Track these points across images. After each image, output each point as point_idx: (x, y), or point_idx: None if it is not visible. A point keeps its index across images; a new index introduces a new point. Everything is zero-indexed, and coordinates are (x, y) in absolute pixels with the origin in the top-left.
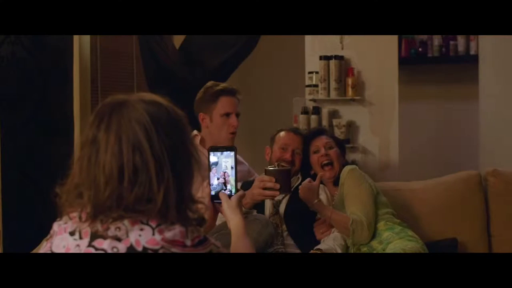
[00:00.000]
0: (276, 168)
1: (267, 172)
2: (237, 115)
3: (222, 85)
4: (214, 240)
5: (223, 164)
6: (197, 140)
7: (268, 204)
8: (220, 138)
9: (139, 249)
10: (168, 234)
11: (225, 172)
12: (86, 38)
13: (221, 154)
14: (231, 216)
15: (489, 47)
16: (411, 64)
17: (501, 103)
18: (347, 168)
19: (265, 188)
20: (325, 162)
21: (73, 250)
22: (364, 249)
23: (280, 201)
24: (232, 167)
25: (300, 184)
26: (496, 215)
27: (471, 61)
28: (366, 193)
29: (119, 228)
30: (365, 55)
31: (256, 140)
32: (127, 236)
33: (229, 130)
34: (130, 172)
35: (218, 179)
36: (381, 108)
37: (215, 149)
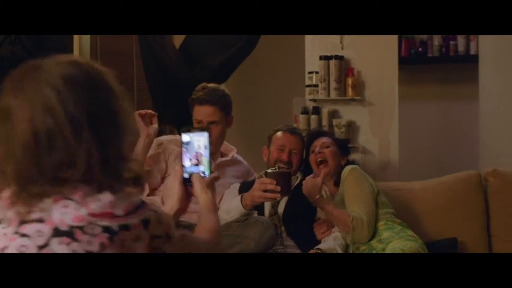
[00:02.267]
0: (277, 170)
1: (267, 175)
2: (213, 123)
3: (199, 93)
4: (155, 206)
5: (195, 143)
6: None
7: (267, 204)
8: None
9: (65, 228)
10: (95, 206)
11: (197, 153)
12: (86, 38)
13: (194, 134)
14: (201, 196)
15: (489, 47)
16: (411, 64)
17: (501, 103)
18: (348, 167)
19: (265, 191)
20: (319, 159)
21: (1, 239)
22: (364, 248)
23: (278, 202)
24: (205, 147)
25: (299, 183)
26: (496, 215)
27: (471, 61)
28: (367, 192)
29: (42, 209)
30: (365, 55)
31: (256, 140)
32: (51, 216)
33: None
34: (44, 137)
35: (190, 160)
36: (381, 108)
37: (187, 130)
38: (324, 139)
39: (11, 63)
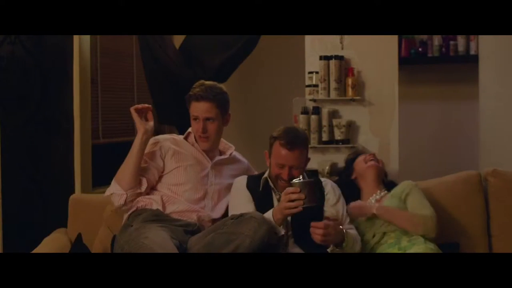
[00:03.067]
0: (301, 180)
1: (291, 184)
2: (209, 119)
3: (196, 90)
4: None
5: None
6: (191, 138)
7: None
8: (198, 141)
9: None
10: None
11: None
12: (86, 38)
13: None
14: None
15: (489, 47)
16: (411, 64)
17: (501, 103)
18: (411, 182)
19: (291, 201)
20: (371, 159)
21: None
22: (391, 241)
23: None
24: None
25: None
26: (496, 215)
27: (471, 61)
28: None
29: None
30: (365, 55)
31: (257, 140)
32: None
33: (197, 133)
34: None
35: None
36: (381, 108)
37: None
38: (364, 156)
39: (11, 63)
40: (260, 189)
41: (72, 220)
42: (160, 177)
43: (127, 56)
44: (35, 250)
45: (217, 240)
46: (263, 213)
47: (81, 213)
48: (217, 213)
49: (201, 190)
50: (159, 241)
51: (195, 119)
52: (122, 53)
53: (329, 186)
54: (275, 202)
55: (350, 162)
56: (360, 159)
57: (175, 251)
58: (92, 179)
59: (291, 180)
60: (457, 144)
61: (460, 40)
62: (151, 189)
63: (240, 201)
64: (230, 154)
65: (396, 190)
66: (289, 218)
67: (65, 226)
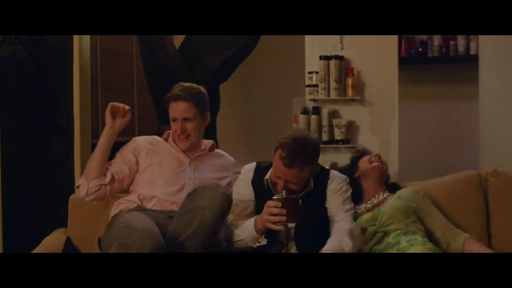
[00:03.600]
0: (282, 196)
1: (273, 199)
2: (187, 119)
3: (174, 90)
4: None
5: None
6: (166, 136)
7: None
8: (177, 141)
9: None
10: None
11: None
12: (86, 38)
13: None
14: None
15: (489, 47)
16: (411, 64)
17: (501, 103)
18: (420, 191)
19: (273, 215)
20: (376, 160)
21: None
22: (390, 241)
23: None
24: None
25: (312, 191)
26: (496, 215)
27: (471, 61)
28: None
29: None
30: (365, 55)
31: (257, 139)
32: None
33: (175, 134)
34: None
35: None
36: (381, 108)
37: None
38: (368, 156)
39: (11, 63)
40: (265, 187)
41: (72, 220)
42: (136, 177)
43: (127, 56)
44: (35, 250)
45: (181, 223)
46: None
47: (81, 213)
48: None
49: (178, 184)
50: (137, 216)
51: (174, 120)
52: (122, 53)
53: (334, 178)
54: None
55: (355, 160)
56: (365, 158)
57: (154, 227)
58: None
59: (287, 191)
60: (457, 144)
61: (460, 40)
62: (130, 192)
63: (239, 196)
64: (209, 149)
65: (403, 193)
66: (288, 227)
67: (65, 226)
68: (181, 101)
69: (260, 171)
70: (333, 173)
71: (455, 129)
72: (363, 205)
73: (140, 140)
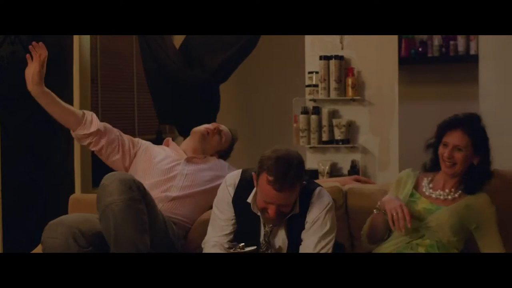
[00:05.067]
0: (243, 250)
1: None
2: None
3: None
4: None
5: None
6: (166, 144)
7: (263, 231)
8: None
9: None
10: None
11: None
12: (86, 38)
13: None
14: None
15: (489, 47)
16: (411, 64)
17: (501, 103)
18: (493, 205)
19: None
20: (448, 163)
21: None
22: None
23: (271, 232)
24: None
25: (296, 214)
26: (496, 215)
27: (471, 61)
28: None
29: None
30: (365, 55)
31: (257, 139)
32: None
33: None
34: None
35: None
36: (381, 108)
37: None
38: (460, 135)
39: (11, 63)
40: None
41: None
42: (132, 169)
43: (127, 56)
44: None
45: (103, 227)
46: (249, 227)
47: (81, 213)
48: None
49: (169, 174)
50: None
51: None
52: (122, 53)
53: (313, 204)
54: (262, 226)
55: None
56: (441, 151)
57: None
58: (92, 179)
59: (278, 217)
60: None
61: (460, 40)
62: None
63: (217, 212)
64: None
65: (475, 203)
66: (277, 245)
67: None
68: None
69: (244, 186)
70: (315, 194)
71: None
72: (431, 186)
73: (142, 140)
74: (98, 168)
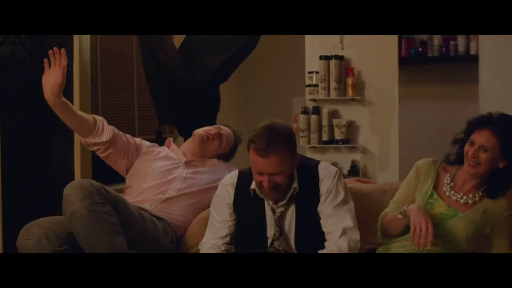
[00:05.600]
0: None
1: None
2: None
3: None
4: None
5: None
6: (168, 144)
7: (270, 223)
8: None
9: None
10: None
11: None
12: (86, 38)
13: None
14: None
15: (489, 47)
16: (411, 64)
17: (501, 103)
18: (509, 209)
19: None
20: (472, 162)
21: None
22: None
23: (283, 216)
24: None
25: (299, 194)
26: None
27: (471, 61)
28: None
29: None
30: (365, 55)
31: None
32: None
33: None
34: None
35: None
36: (381, 108)
37: None
38: (488, 135)
39: (11, 63)
40: (251, 195)
41: None
42: (132, 171)
43: (127, 56)
44: None
45: (75, 236)
46: (253, 223)
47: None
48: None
49: (167, 177)
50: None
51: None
52: (122, 53)
53: (323, 176)
54: (268, 213)
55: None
56: (467, 149)
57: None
58: (92, 179)
59: (273, 189)
60: None
61: (460, 40)
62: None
63: (214, 214)
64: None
65: (493, 207)
66: (289, 232)
67: None
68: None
69: (243, 182)
70: (321, 167)
71: (455, 129)
72: (452, 185)
73: (145, 142)
74: (98, 168)
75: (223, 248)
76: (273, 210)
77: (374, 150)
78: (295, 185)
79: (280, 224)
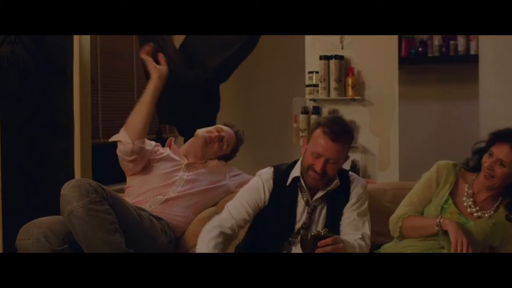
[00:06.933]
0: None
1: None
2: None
3: None
4: None
5: None
6: (168, 143)
7: (300, 212)
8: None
9: None
10: None
11: None
12: (86, 38)
13: None
14: None
15: (489, 47)
16: (411, 64)
17: (501, 103)
18: None
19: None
20: (487, 174)
21: None
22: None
23: (315, 209)
24: None
25: (338, 186)
26: None
27: (471, 61)
28: None
29: None
30: (365, 55)
31: (257, 139)
32: None
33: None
34: None
35: None
36: (381, 108)
37: None
38: (507, 150)
39: (11, 63)
40: (287, 184)
41: None
42: (145, 167)
43: (127, 56)
44: None
45: (74, 235)
46: (282, 212)
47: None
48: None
49: (169, 180)
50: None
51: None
52: (122, 53)
53: (357, 181)
54: (300, 205)
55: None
56: (485, 160)
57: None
58: (92, 179)
59: (324, 174)
60: (457, 144)
61: (460, 40)
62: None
63: (243, 199)
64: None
65: (499, 218)
66: (319, 221)
67: None
68: None
69: (280, 176)
70: (352, 174)
71: (455, 129)
72: (471, 196)
73: (159, 148)
74: (98, 168)
75: (229, 230)
76: (307, 202)
77: (374, 150)
78: (337, 180)
79: (311, 216)
